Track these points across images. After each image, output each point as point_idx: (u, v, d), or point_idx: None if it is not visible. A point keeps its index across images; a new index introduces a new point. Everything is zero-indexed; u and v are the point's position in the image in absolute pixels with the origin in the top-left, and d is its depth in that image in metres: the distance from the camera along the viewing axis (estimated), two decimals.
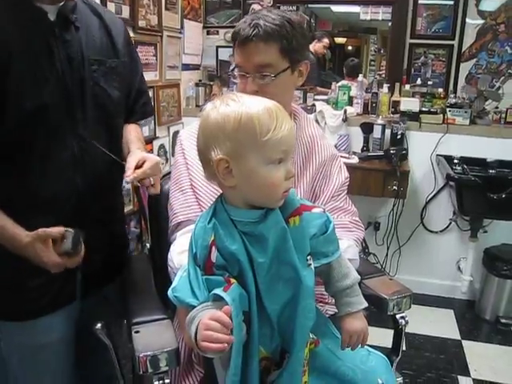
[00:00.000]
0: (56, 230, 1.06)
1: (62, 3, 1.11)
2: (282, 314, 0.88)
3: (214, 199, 1.15)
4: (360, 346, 0.97)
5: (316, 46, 4.02)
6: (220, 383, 0.94)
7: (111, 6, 2.17)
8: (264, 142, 0.82)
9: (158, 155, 2.82)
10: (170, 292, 0.89)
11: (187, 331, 0.83)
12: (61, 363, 1.29)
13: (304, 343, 0.90)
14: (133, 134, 1.36)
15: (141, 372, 0.97)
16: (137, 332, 1.04)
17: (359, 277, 0.98)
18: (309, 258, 0.89)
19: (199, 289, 0.85)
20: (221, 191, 1.17)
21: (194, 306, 0.84)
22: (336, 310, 1.21)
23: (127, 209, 2.51)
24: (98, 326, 1.20)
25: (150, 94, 2.61)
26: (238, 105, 0.84)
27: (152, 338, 1.03)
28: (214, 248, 0.85)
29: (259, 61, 1.14)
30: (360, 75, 3.09)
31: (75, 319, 1.29)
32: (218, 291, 0.82)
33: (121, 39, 1.28)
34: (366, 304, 0.97)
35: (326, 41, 4.10)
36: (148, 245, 1.52)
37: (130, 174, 1.13)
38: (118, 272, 1.36)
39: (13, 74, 1.02)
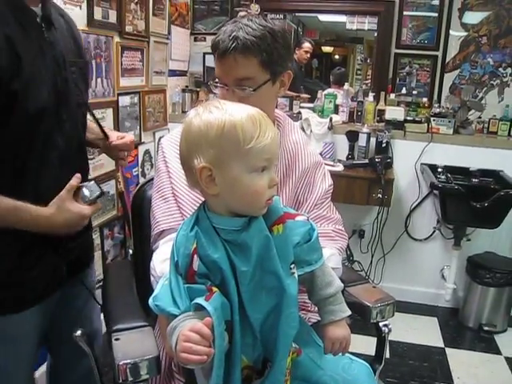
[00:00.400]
0: (73, 181, 1.13)
1: (40, 4, 1.10)
2: (264, 323, 0.87)
3: (196, 207, 1.14)
4: (341, 353, 0.97)
5: (298, 54, 3.99)
6: None
7: (98, 11, 2.16)
8: (247, 150, 0.82)
9: (143, 161, 2.80)
10: (150, 300, 0.88)
11: (168, 341, 0.82)
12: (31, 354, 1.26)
13: (286, 352, 0.89)
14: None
15: (120, 380, 0.95)
16: (117, 339, 1.03)
17: (342, 285, 0.98)
18: (292, 266, 0.88)
19: (180, 297, 0.84)
20: (203, 199, 1.17)
21: (176, 315, 0.83)
22: (319, 318, 1.21)
23: (111, 214, 2.49)
24: (78, 333, 1.18)
25: (136, 99, 2.62)
26: (221, 112, 0.83)
27: (132, 345, 1.01)
28: (195, 256, 0.84)
29: (238, 75, 1.11)
30: (346, 84, 3.12)
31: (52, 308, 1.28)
32: (200, 300, 0.80)
33: (81, 39, 1.31)
34: (349, 312, 0.97)
35: (306, 45, 4.02)
36: (131, 251, 1.50)
37: (114, 139, 1.35)
38: (92, 256, 1.43)
39: (22, 76, 1.01)
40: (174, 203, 1.19)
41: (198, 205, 1.15)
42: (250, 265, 0.84)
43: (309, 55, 4.10)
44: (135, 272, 1.40)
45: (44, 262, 1.17)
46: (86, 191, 1.17)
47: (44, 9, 1.10)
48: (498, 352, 2.59)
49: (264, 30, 1.10)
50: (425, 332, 2.75)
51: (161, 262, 1.10)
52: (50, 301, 1.23)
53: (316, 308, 1.13)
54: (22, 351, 1.21)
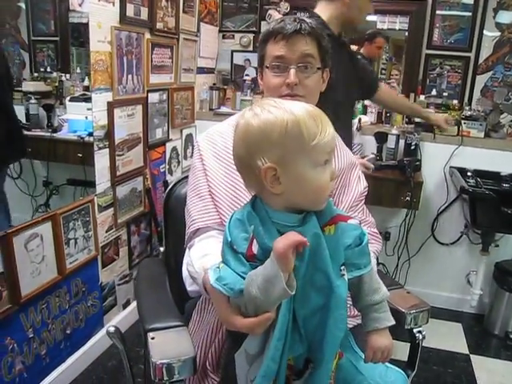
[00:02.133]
0: None
1: None
2: (310, 321, 0.86)
3: (232, 206, 1.15)
4: (381, 362, 0.96)
5: (367, 48, 3.62)
6: (240, 381, 0.93)
7: (130, 8, 2.17)
8: (312, 147, 0.81)
9: (171, 158, 2.81)
10: (213, 282, 0.84)
11: (248, 285, 0.80)
12: None
13: (333, 354, 0.88)
14: None
15: (156, 380, 0.96)
16: (153, 338, 1.03)
17: (388, 293, 0.96)
18: (342, 268, 0.87)
19: (246, 273, 0.82)
20: (241, 197, 1.16)
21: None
22: (356, 323, 1.21)
23: (138, 211, 2.51)
24: (111, 329, 1.19)
25: (164, 96, 2.63)
26: (281, 111, 0.82)
27: (168, 345, 1.01)
28: (255, 241, 0.83)
29: (305, 50, 1.17)
30: None
31: None
32: None
33: None
34: (393, 321, 0.95)
35: (379, 40, 3.60)
36: (162, 248, 1.51)
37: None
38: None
39: None
40: (210, 201, 1.19)
41: (234, 203, 1.15)
42: (302, 260, 0.83)
43: (381, 51, 3.72)
44: (167, 270, 1.41)
45: None
46: None
47: None
48: None
49: (317, 24, 1.22)
50: (449, 338, 2.71)
51: (199, 257, 1.09)
52: None
53: (355, 312, 1.13)
54: None
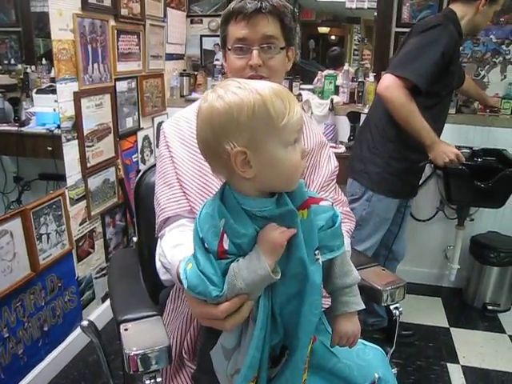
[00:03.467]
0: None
1: None
2: (286, 308, 0.85)
3: (201, 192, 1.12)
4: (348, 347, 0.94)
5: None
6: (219, 375, 0.91)
7: None
8: (281, 127, 0.78)
9: (143, 147, 2.77)
10: (187, 291, 0.82)
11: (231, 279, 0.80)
12: None
13: (309, 340, 0.87)
14: None
15: (131, 372, 0.94)
16: (126, 329, 1.01)
17: (360, 277, 0.94)
18: (317, 252, 0.85)
19: (217, 275, 0.80)
20: (209, 184, 1.14)
21: (219, 296, 0.79)
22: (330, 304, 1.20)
23: (112, 202, 2.47)
24: (85, 323, 1.17)
25: (133, 84, 2.57)
26: (246, 92, 0.78)
27: (142, 335, 0.99)
28: (225, 236, 0.80)
29: (267, 31, 1.14)
30: (346, 64, 3.06)
31: None
32: None
33: None
34: (363, 306, 0.93)
35: None
36: (135, 238, 1.48)
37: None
38: None
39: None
40: (178, 189, 1.17)
41: (204, 190, 1.13)
42: None
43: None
44: (140, 260, 1.38)
45: None
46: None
47: None
48: (502, 331, 2.61)
49: (279, 1, 1.16)
50: (429, 312, 2.76)
51: (171, 247, 1.07)
52: None
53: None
54: None
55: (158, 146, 1.46)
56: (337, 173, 1.34)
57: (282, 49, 1.18)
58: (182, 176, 1.17)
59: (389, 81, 1.95)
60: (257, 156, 0.79)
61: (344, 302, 0.92)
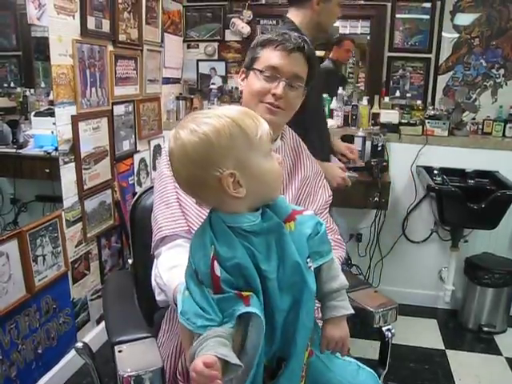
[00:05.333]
0: None
1: None
2: (286, 318, 0.87)
3: (200, 213, 1.14)
4: (341, 354, 0.96)
5: (336, 52, 3.57)
6: None
7: (91, 21, 2.15)
8: (259, 140, 0.84)
9: (139, 169, 2.79)
10: (180, 316, 0.84)
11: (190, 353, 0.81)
12: None
13: (305, 345, 0.89)
14: None
15: None
16: (120, 351, 1.02)
17: (347, 282, 0.96)
18: (308, 260, 0.89)
19: (212, 308, 0.82)
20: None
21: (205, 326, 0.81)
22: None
23: (108, 224, 2.49)
24: (79, 345, 1.17)
25: (130, 108, 2.61)
26: (216, 119, 0.82)
27: (136, 357, 1.00)
28: (215, 262, 0.82)
29: (299, 71, 1.22)
30: (340, 88, 3.12)
31: None
32: (244, 309, 0.80)
33: None
34: (351, 310, 0.95)
35: (347, 43, 3.53)
36: (130, 260, 1.49)
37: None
38: None
39: None
40: (177, 209, 1.18)
41: (204, 211, 1.15)
42: (272, 261, 0.84)
43: (350, 54, 3.70)
44: (135, 282, 1.39)
45: None
46: None
47: None
48: (498, 353, 2.59)
49: (314, 51, 1.28)
50: (425, 334, 2.75)
51: (167, 269, 1.09)
52: None
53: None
54: None
55: (154, 169, 1.49)
56: (330, 202, 1.38)
57: (304, 90, 1.26)
58: (182, 196, 1.18)
59: None
60: (245, 174, 0.83)
61: (332, 307, 0.94)
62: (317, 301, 0.95)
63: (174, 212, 1.18)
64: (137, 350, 1.03)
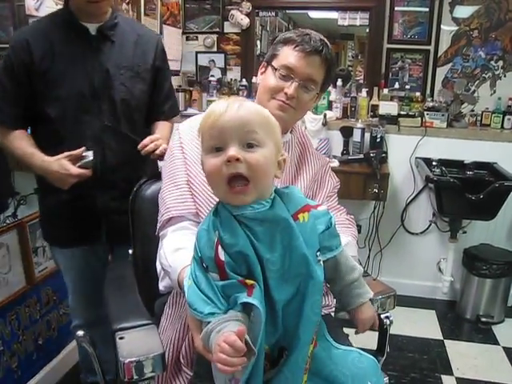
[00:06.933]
0: (78, 150, 1.44)
1: (102, 23, 1.52)
2: (287, 308, 0.88)
3: (210, 197, 1.14)
4: (372, 329, 1.08)
5: None
6: (218, 381, 0.93)
7: None
8: (201, 136, 0.90)
9: None
10: (188, 308, 0.88)
11: (205, 342, 0.83)
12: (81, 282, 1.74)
13: (309, 339, 0.90)
14: (159, 127, 1.69)
15: (126, 379, 0.96)
16: (121, 338, 1.03)
17: (362, 268, 1.04)
18: (318, 253, 0.90)
19: (217, 297, 0.84)
20: None
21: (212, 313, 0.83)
22: (328, 311, 1.25)
23: None
24: (80, 333, 1.18)
25: None
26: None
27: (137, 343, 1.01)
28: (219, 247, 0.84)
29: (313, 74, 1.22)
30: (339, 80, 3.11)
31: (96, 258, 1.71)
32: (245, 299, 0.81)
33: (151, 53, 1.64)
34: (372, 292, 1.05)
35: None
36: (130, 251, 1.50)
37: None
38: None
39: (54, 69, 1.47)
40: (187, 190, 1.18)
41: (212, 194, 1.15)
42: (275, 251, 0.85)
43: None
44: (135, 272, 1.40)
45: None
46: (83, 158, 1.44)
47: (102, 25, 1.52)
48: (496, 342, 2.62)
49: (334, 54, 1.26)
50: (423, 325, 2.77)
51: (172, 251, 1.09)
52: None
53: (327, 301, 1.16)
54: None
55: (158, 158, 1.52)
56: (338, 187, 1.43)
57: (316, 93, 1.26)
58: (193, 178, 1.18)
59: None
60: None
61: (357, 295, 1.02)
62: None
63: (183, 193, 1.18)
64: (138, 336, 1.04)
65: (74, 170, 1.43)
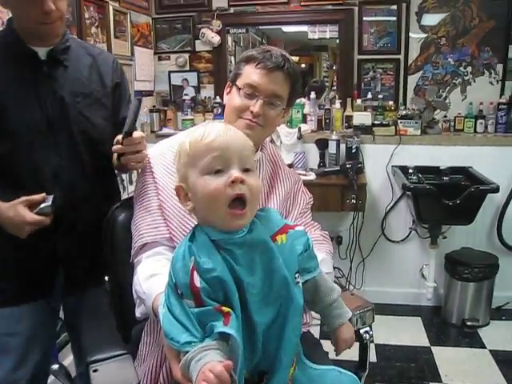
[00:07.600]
0: (37, 196, 1.27)
1: (52, 46, 1.35)
2: (268, 330, 0.87)
3: (183, 222, 1.14)
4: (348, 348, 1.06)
5: None
6: None
7: None
8: (193, 156, 0.88)
9: None
10: (164, 337, 0.85)
11: (184, 372, 0.81)
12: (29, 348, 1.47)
13: (290, 361, 0.89)
14: None
15: None
16: (95, 371, 1.00)
17: (340, 288, 1.05)
18: (297, 275, 0.90)
19: (192, 325, 0.82)
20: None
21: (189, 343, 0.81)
22: (306, 329, 1.24)
23: None
24: (55, 367, 1.15)
25: None
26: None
27: (111, 375, 0.99)
28: (195, 273, 0.82)
29: (277, 90, 1.22)
30: (312, 92, 3.13)
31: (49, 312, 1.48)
32: (221, 328, 0.79)
33: (109, 75, 1.48)
34: (351, 312, 1.05)
35: None
36: (106, 278, 1.47)
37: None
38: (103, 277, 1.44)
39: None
40: (159, 216, 1.17)
41: (186, 219, 1.15)
42: (255, 274, 0.84)
43: None
44: (112, 298, 1.37)
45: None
46: (42, 204, 1.28)
47: (53, 49, 1.35)
48: (482, 346, 2.63)
49: (299, 69, 1.28)
50: (410, 332, 2.77)
51: (146, 278, 1.08)
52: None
53: (305, 320, 1.15)
54: None
55: (130, 183, 1.49)
56: (312, 202, 1.43)
57: (283, 108, 1.26)
58: (165, 203, 1.18)
59: None
60: (189, 188, 0.89)
61: (338, 315, 1.02)
62: None
63: (155, 219, 1.18)
64: (112, 368, 1.02)
65: (30, 216, 1.25)
